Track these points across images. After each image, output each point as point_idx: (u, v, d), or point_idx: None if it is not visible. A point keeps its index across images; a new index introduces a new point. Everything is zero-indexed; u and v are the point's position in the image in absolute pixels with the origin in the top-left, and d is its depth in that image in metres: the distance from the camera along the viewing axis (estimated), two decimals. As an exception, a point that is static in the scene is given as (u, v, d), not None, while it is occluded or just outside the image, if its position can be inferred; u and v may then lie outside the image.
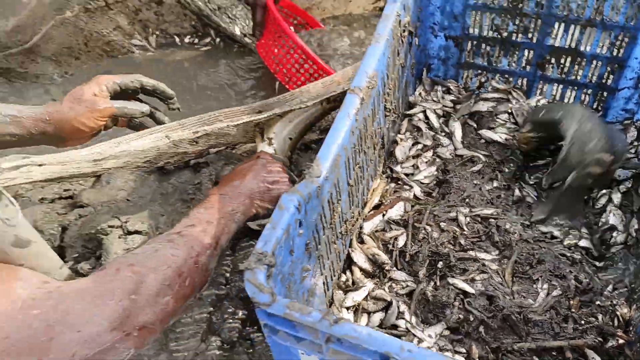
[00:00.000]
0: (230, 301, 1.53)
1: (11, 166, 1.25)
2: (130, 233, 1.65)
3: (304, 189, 1.07)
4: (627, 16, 1.47)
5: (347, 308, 1.38)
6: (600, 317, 1.28)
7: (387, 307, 1.37)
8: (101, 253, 1.60)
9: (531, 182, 1.58)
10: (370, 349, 0.83)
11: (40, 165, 1.29)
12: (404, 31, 1.49)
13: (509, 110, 1.72)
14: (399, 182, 1.61)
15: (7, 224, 0.84)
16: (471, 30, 1.70)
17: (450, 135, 1.70)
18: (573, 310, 1.30)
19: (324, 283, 1.30)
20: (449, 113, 1.76)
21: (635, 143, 1.62)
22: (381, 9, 2.37)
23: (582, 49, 1.59)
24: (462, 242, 1.43)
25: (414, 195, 1.57)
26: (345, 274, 1.45)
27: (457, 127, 1.70)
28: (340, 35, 2.31)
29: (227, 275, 1.55)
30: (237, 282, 1.53)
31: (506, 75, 1.75)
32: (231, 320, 1.51)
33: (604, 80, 1.62)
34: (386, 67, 1.40)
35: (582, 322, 1.28)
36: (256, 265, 0.94)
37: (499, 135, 1.66)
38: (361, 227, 1.51)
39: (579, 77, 1.65)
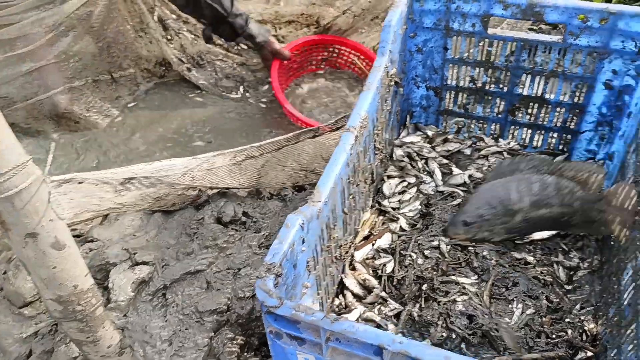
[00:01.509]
0: (230, 327, 1.64)
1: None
2: (137, 264, 1.77)
3: (307, 210, 1.22)
4: (585, 68, 1.69)
5: (341, 328, 1.50)
6: (569, 332, 1.43)
7: (378, 327, 1.50)
8: (109, 284, 1.72)
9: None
10: (367, 342, 0.97)
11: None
12: (390, 81, 1.69)
13: (483, 154, 1.93)
14: (387, 215, 1.77)
15: (53, 223, 0.96)
16: (449, 82, 1.90)
17: (431, 174, 1.88)
18: (545, 326, 1.44)
19: (319, 303, 1.43)
20: (428, 155, 1.95)
21: (598, 181, 1.82)
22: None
23: (547, 97, 1.79)
24: (444, 267, 1.58)
25: (400, 227, 1.73)
26: (338, 297, 1.58)
27: (436, 167, 1.88)
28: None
29: (229, 302, 1.66)
30: (237, 310, 1.65)
31: (481, 121, 1.95)
32: (230, 345, 1.61)
33: (567, 124, 1.83)
34: (376, 110, 1.58)
35: (554, 336, 1.42)
36: (266, 274, 1.08)
37: (467, 174, 1.84)
38: (353, 256, 1.65)
39: (545, 122, 1.85)
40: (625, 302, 1.27)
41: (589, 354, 1.39)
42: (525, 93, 1.82)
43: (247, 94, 2.68)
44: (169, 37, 2.68)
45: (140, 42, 2.62)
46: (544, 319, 1.46)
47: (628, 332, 1.20)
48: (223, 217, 1.87)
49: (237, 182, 1.69)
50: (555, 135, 1.87)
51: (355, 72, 2.68)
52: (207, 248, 1.80)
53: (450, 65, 1.85)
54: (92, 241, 1.90)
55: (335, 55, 2.72)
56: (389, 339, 0.95)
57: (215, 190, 1.96)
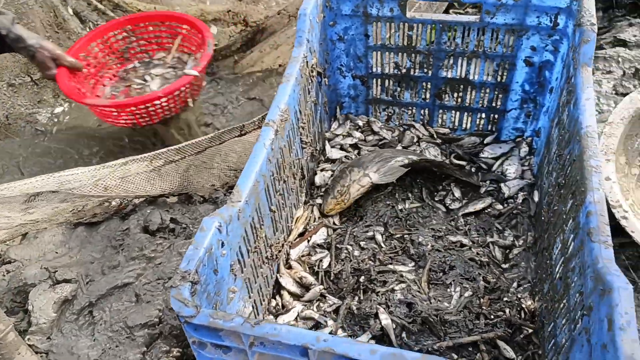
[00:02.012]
0: (164, 340, 1.55)
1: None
2: (59, 282, 1.66)
3: (225, 211, 1.15)
4: (504, 46, 1.69)
5: (279, 330, 1.44)
6: (507, 311, 1.41)
7: (317, 325, 1.45)
8: (29, 306, 1.60)
9: (437, 199, 1.72)
10: (291, 343, 0.91)
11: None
12: (312, 72, 1.64)
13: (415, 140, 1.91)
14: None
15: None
16: (374, 69, 1.87)
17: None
18: (484, 307, 1.43)
19: (253, 307, 1.36)
20: (360, 144, 1.92)
21: (528, 157, 1.82)
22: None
23: (471, 78, 1.79)
24: (381, 257, 1.55)
25: (334, 222, 1.68)
26: (275, 299, 1.52)
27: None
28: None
29: (160, 314, 1.58)
30: (169, 321, 1.56)
31: (410, 107, 1.93)
32: (166, 358, 1.53)
33: (493, 104, 1.83)
34: (297, 103, 1.53)
35: (492, 317, 1.40)
36: (180, 283, 1.01)
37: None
38: (288, 254, 1.59)
39: (472, 104, 1.85)
40: (557, 276, 1.27)
41: (529, 330, 1.38)
42: (449, 76, 1.80)
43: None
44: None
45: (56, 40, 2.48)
46: (482, 300, 1.45)
47: (561, 305, 1.19)
48: (150, 226, 1.77)
49: (158, 189, 1.60)
50: (483, 115, 1.87)
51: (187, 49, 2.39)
52: (134, 259, 1.71)
53: (374, 52, 1.82)
54: (9, 262, 1.77)
55: (150, 37, 2.42)
56: (312, 337, 0.90)
57: (142, 198, 1.87)
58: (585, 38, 1.38)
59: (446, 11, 2.60)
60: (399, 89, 1.89)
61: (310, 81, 1.65)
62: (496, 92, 1.80)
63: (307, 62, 1.58)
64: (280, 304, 1.51)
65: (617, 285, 0.92)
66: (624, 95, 2.13)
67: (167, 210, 1.86)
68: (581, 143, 1.22)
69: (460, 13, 2.73)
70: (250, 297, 1.34)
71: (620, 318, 0.88)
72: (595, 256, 1.02)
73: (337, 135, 1.94)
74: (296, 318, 1.47)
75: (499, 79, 1.76)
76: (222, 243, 1.13)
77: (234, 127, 1.74)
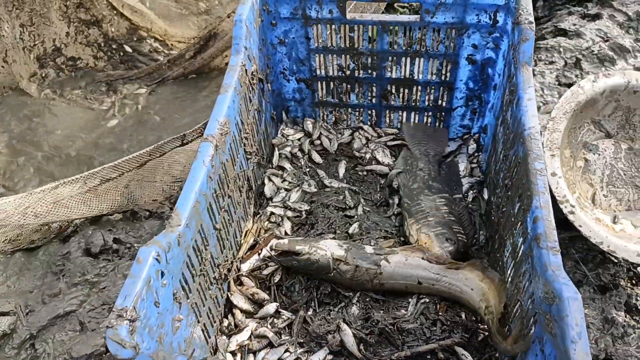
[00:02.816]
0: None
1: None
2: (-5, 316, 1.56)
3: (163, 238, 1.09)
4: (446, 45, 1.67)
5: (232, 352, 1.39)
6: (464, 315, 1.40)
7: (270, 344, 1.40)
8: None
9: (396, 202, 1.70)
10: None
11: None
12: (252, 79, 1.58)
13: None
14: (271, 220, 1.67)
15: None
16: (318, 72, 1.83)
17: (314, 171, 1.80)
18: (440, 313, 1.41)
19: (203, 331, 1.31)
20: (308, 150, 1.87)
21: (476, 154, 1.82)
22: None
23: (415, 77, 1.77)
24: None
25: (285, 231, 1.64)
26: (227, 318, 1.46)
27: (320, 162, 1.81)
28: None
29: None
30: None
31: (357, 109, 1.90)
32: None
33: (439, 103, 1.81)
34: (238, 113, 1.47)
35: (449, 323, 1.39)
36: (117, 322, 0.94)
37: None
38: (238, 269, 1.54)
39: (418, 103, 1.83)
40: (509, 279, 1.26)
41: (486, 333, 1.37)
42: (394, 76, 1.78)
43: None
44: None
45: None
46: (439, 305, 1.43)
47: (514, 311, 1.19)
48: (92, 248, 1.68)
49: (96, 210, 1.52)
50: (430, 114, 1.85)
51: None
52: (76, 285, 1.62)
53: (316, 54, 1.77)
54: (-61, 297, 1.65)
55: None
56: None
57: (83, 218, 1.77)
58: (524, 37, 1.38)
59: (388, 9, 2.57)
60: (344, 91, 1.85)
61: (251, 89, 1.59)
62: (441, 91, 1.78)
63: (246, 70, 1.52)
64: (233, 323, 1.46)
65: (566, 295, 0.91)
66: (567, 85, 2.16)
67: (110, 229, 1.77)
68: (525, 145, 1.21)
69: (404, 13, 2.71)
70: (199, 322, 1.28)
71: (571, 330, 0.87)
72: (543, 263, 1.01)
73: (285, 142, 1.89)
74: (249, 337, 1.42)
75: (443, 77, 1.75)
76: (162, 273, 1.06)
77: (175, 137, 1.67)
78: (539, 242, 1.05)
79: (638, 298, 1.56)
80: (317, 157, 1.84)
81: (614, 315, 1.49)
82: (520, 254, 1.17)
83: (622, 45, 2.23)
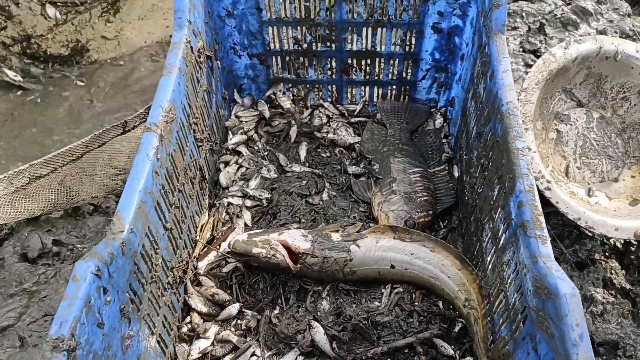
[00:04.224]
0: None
1: None
2: None
3: (103, 249, 0.94)
4: (410, 13, 1.54)
5: (195, 360, 1.27)
6: (441, 305, 1.31)
7: (235, 349, 1.28)
8: None
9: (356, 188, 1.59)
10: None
11: None
12: (199, 57, 1.42)
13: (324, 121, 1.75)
14: (230, 211, 1.53)
15: None
16: (272, 46, 1.67)
17: (273, 154, 1.66)
18: (416, 304, 1.32)
19: (159, 342, 1.17)
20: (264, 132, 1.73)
21: (444, 129, 1.72)
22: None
23: (378, 49, 1.64)
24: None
25: (245, 223, 1.50)
26: (188, 324, 1.33)
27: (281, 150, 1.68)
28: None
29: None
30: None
31: (316, 85, 1.76)
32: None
33: (404, 76, 1.70)
34: (185, 96, 1.31)
35: (426, 314, 1.30)
36: (52, 354, 0.80)
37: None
38: (196, 268, 1.40)
39: (381, 77, 1.70)
40: (489, 267, 1.17)
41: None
42: (354, 48, 1.64)
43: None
44: None
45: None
46: (414, 295, 1.34)
47: (497, 302, 1.10)
48: (29, 253, 1.51)
49: (26, 212, 1.34)
50: (394, 88, 1.74)
51: None
52: (13, 296, 1.45)
53: (269, 27, 1.62)
54: None
55: None
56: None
57: (19, 219, 1.59)
58: (495, 2, 1.26)
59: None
60: (301, 66, 1.71)
61: (198, 68, 1.43)
62: (406, 63, 1.66)
63: (191, 47, 1.36)
64: (192, 328, 1.32)
65: (564, 291, 0.82)
66: (532, 52, 2.08)
67: (49, 230, 1.60)
68: (504, 122, 1.11)
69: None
70: (153, 333, 1.14)
71: (571, 332, 0.78)
72: (532, 253, 0.92)
73: (240, 123, 1.74)
74: (212, 343, 1.29)
75: (407, 48, 1.63)
76: (104, 289, 0.92)
77: (115, 125, 1.50)
78: (525, 230, 0.95)
79: (612, 272, 1.52)
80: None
81: (593, 292, 1.44)
82: (502, 241, 1.08)
83: (585, 8, 2.16)
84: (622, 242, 1.56)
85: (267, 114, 1.74)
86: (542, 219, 0.96)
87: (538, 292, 0.88)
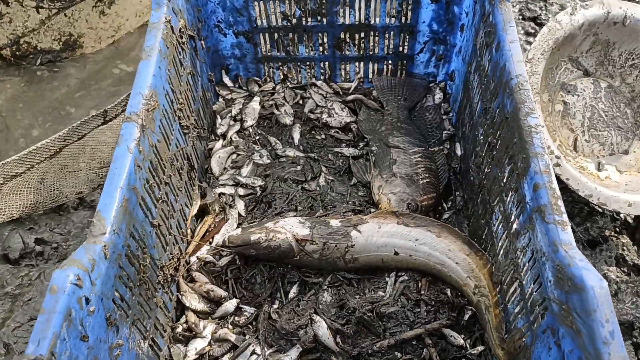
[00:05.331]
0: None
1: None
2: None
3: (84, 255, 0.86)
4: (405, -18, 1.45)
5: (192, 362, 1.20)
6: (449, 292, 1.25)
7: (234, 348, 1.21)
8: None
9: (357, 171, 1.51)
10: None
11: None
12: (181, 37, 1.32)
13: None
14: (222, 200, 1.44)
15: None
16: (259, 23, 1.57)
17: (265, 138, 1.57)
18: (423, 292, 1.25)
19: (151, 346, 1.10)
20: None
21: (443, 105, 1.64)
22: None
23: (372, 22, 1.54)
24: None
25: (239, 212, 1.42)
26: (184, 324, 1.26)
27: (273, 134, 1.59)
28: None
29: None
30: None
31: (308, 62, 1.66)
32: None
33: (400, 50, 1.60)
34: (167, 81, 1.21)
35: (433, 302, 1.23)
36: (30, 378, 0.72)
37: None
38: (189, 264, 1.32)
39: (377, 51, 1.61)
40: (501, 252, 1.10)
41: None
42: (347, 22, 1.54)
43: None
44: None
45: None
46: (420, 283, 1.27)
47: (511, 290, 1.03)
48: (10, 254, 1.43)
49: (4, 215, 1.25)
50: (389, 62, 1.64)
51: None
52: (-4, 301, 1.37)
53: (255, 2, 1.51)
54: None
55: None
56: None
57: (-2, 217, 1.50)
58: (500, -34, 1.17)
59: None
60: (291, 42, 1.61)
61: (181, 49, 1.32)
62: (402, 36, 1.57)
63: (171, 27, 1.25)
64: (187, 328, 1.25)
65: (591, 284, 0.74)
66: (532, 19, 1.98)
67: (31, 228, 1.51)
68: (513, 97, 1.02)
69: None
70: (145, 338, 1.07)
71: (601, 329, 0.71)
72: (551, 240, 0.85)
73: (227, 107, 1.64)
74: (209, 343, 1.22)
75: (403, 20, 1.53)
76: (87, 299, 0.84)
77: (95, 115, 1.40)
78: (543, 215, 0.88)
79: (625, 248, 1.45)
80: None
81: (606, 271, 1.38)
82: (516, 226, 1.01)
83: (586, -29, 2.06)
84: (633, 217, 1.50)
85: (257, 104, 1.64)
86: (560, 202, 0.88)
87: (560, 284, 0.80)
